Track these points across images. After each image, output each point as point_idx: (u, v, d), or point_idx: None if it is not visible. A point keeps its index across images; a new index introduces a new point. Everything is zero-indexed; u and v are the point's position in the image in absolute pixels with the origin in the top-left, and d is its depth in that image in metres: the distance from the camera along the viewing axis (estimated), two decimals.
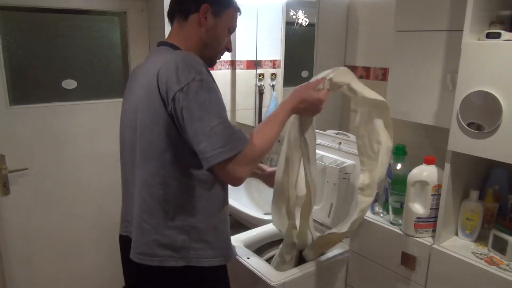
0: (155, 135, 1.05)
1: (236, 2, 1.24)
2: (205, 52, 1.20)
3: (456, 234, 1.35)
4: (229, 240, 1.20)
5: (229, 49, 1.28)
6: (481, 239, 1.30)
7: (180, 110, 0.99)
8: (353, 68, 1.91)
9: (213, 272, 1.15)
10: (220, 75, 2.38)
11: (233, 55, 2.39)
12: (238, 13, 1.26)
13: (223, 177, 1.05)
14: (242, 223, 1.94)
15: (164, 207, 1.08)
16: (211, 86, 1.02)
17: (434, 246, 1.29)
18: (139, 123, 1.09)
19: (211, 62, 1.25)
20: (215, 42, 1.20)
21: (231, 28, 1.25)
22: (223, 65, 2.37)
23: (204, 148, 0.98)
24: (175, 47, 1.16)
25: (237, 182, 1.04)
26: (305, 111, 1.25)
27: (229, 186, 1.13)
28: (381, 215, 1.52)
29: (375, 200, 1.56)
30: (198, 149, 0.99)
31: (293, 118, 1.33)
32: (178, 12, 1.18)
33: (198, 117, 0.98)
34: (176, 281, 1.12)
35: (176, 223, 1.08)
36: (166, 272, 1.09)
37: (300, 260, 1.54)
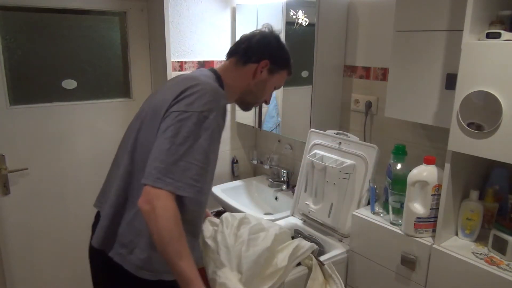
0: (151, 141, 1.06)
1: (291, 65, 1.32)
2: (246, 97, 1.29)
3: (456, 234, 1.35)
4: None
5: (267, 102, 1.35)
6: (481, 239, 1.30)
7: (166, 125, 1.00)
8: (353, 68, 1.91)
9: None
10: None
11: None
12: (289, 76, 1.34)
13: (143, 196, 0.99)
14: None
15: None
16: (212, 130, 1.02)
17: (434, 246, 1.29)
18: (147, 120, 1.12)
19: (247, 107, 1.33)
20: (259, 93, 1.29)
21: (278, 87, 1.34)
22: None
23: (157, 165, 0.97)
24: (218, 77, 1.21)
25: (147, 209, 0.96)
26: None
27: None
28: (381, 215, 1.52)
29: (376, 200, 1.56)
30: (150, 161, 0.98)
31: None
32: (240, 55, 1.24)
33: (175, 142, 0.98)
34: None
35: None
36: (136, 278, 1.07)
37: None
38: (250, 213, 1.94)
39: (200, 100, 1.03)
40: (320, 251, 1.64)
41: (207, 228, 1.40)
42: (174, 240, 0.96)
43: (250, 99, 1.30)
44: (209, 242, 1.35)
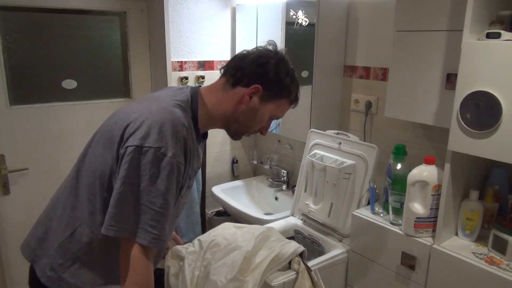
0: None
1: (295, 94, 1.10)
2: (232, 125, 1.10)
3: (456, 234, 1.35)
4: None
5: (263, 133, 1.15)
6: (481, 239, 1.30)
7: (124, 164, 0.92)
8: (353, 68, 1.91)
9: None
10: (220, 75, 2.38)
11: (233, 55, 2.39)
12: (292, 106, 1.13)
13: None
14: (242, 223, 1.94)
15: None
16: (171, 168, 0.92)
17: (434, 246, 1.29)
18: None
19: (235, 136, 1.14)
20: (248, 122, 1.09)
21: (275, 117, 1.12)
22: (223, 65, 2.37)
23: (109, 210, 0.92)
24: (195, 101, 1.05)
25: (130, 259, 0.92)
26: None
27: None
28: (381, 215, 1.52)
29: (376, 200, 1.56)
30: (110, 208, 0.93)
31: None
32: (229, 75, 1.06)
33: (129, 182, 0.91)
34: None
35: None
36: None
37: None
38: (250, 213, 1.94)
39: (156, 133, 0.91)
40: (320, 251, 1.64)
41: (173, 264, 1.30)
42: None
43: (238, 128, 1.10)
44: (173, 281, 1.28)
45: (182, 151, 0.95)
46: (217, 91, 1.07)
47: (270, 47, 1.09)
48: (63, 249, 1.03)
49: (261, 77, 1.04)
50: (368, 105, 1.84)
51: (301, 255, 1.38)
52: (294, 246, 1.32)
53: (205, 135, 1.14)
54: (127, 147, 0.92)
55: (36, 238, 1.08)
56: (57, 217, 1.06)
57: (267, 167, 2.35)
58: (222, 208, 2.36)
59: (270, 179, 2.32)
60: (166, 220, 0.94)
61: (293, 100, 1.12)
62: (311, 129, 1.85)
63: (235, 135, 1.13)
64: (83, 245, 1.01)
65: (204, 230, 2.27)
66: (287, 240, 1.38)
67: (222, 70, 1.10)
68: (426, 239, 1.33)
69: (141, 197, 0.91)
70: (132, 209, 0.91)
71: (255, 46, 1.10)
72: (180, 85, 2.23)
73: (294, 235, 1.76)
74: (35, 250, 1.07)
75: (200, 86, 1.10)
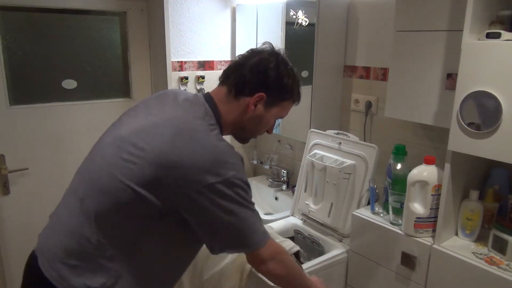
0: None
1: (297, 92, 1.11)
2: (239, 133, 1.11)
3: (456, 234, 1.35)
4: None
5: (269, 132, 1.16)
6: (481, 239, 1.30)
7: (201, 206, 0.92)
8: (353, 68, 1.91)
9: None
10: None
11: (233, 55, 2.39)
12: (295, 103, 1.14)
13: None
14: None
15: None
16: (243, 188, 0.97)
17: (434, 246, 1.29)
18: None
19: (242, 141, 1.16)
20: (255, 128, 1.10)
21: (280, 117, 1.14)
22: (223, 65, 2.37)
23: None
24: (216, 113, 1.03)
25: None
26: None
27: None
28: (381, 215, 1.52)
29: (376, 200, 1.56)
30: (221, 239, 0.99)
31: None
32: (230, 86, 1.04)
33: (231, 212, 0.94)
34: None
35: None
36: None
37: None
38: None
39: (227, 163, 0.94)
40: (320, 251, 1.64)
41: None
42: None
43: (245, 134, 1.12)
44: None
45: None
46: (223, 101, 1.05)
47: (267, 48, 1.07)
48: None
49: (263, 84, 1.03)
50: (368, 105, 1.84)
51: (297, 255, 1.38)
52: (288, 245, 1.34)
53: None
54: (207, 185, 0.91)
55: None
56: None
57: (267, 167, 2.35)
58: None
59: (270, 179, 2.32)
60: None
61: (296, 99, 1.12)
62: (311, 129, 1.85)
63: (243, 140, 1.15)
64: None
65: None
66: (282, 238, 1.38)
67: (221, 78, 1.09)
68: (426, 239, 1.33)
69: (246, 219, 0.97)
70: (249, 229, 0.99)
71: (250, 48, 1.09)
72: (181, 86, 2.23)
73: (294, 235, 1.76)
74: None
75: (208, 93, 1.08)
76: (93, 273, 0.95)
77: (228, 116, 1.05)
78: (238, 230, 0.97)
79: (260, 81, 1.02)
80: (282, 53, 1.08)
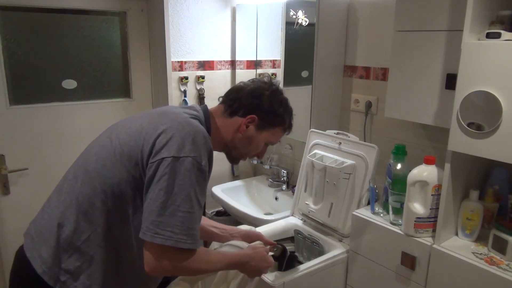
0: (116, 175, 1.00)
1: (289, 121, 1.21)
2: (231, 151, 1.19)
3: (456, 234, 1.35)
4: None
5: (259, 157, 1.25)
6: (481, 239, 1.30)
7: (162, 174, 0.94)
8: (353, 68, 1.91)
9: None
10: (220, 75, 2.38)
11: (233, 55, 2.39)
12: (286, 133, 1.24)
13: (145, 255, 0.97)
14: (242, 223, 1.94)
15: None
16: (204, 176, 0.99)
17: (434, 246, 1.29)
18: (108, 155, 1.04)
19: (233, 161, 1.23)
20: (245, 149, 1.19)
21: (270, 143, 1.22)
22: (223, 65, 2.38)
23: (152, 219, 0.94)
24: (208, 118, 1.12)
25: (150, 270, 0.96)
26: (250, 271, 1.19)
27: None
28: (381, 215, 1.52)
29: (376, 200, 1.56)
30: (145, 215, 0.95)
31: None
32: (227, 105, 1.15)
33: (170, 191, 0.94)
34: None
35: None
36: None
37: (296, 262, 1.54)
38: (250, 213, 1.95)
39: (190, 143, 0.97)
40: (320, 251, 1.64)
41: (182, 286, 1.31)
42: (201, 272, 1.09)
43: (235, 154, 1.20)
44: None
45: (209, 162, 1.02)
46: (219, 116, 1.16)
47: (265, 79, 1.18)
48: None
49: (256, 108, 1.13)
50: (368, 105, 1.84)
51: (291, 258, 1.38)
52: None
53: None
54: (163, 158, 0.95)
55: None
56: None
57: (267, 167, 2.35)
58: (222, 208, 2.36)
59: (270, 179, 2.32)
60: (199, 223, 1.01)
61: (287, 128, 1.23)
62: (311, 129, 1.85)
63: (233, 159, 1.22)
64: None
65: None
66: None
67: (220, 99, 1.19)
68: (426, 239, 1.33)
69: (182, 204, 0.94)
70: (175, 216, 0.94)
71: (251, 79, 1.21)
72: (181, 86, 2.24)
73: (294, 235, 1.76)
74: None
75: (206, 105, 1.17)
76: (69, 255, 1.03)
77: (220, 129, 1.15)
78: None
79: (255, 104, 1.13)
80: (278, 84, 1.20)
